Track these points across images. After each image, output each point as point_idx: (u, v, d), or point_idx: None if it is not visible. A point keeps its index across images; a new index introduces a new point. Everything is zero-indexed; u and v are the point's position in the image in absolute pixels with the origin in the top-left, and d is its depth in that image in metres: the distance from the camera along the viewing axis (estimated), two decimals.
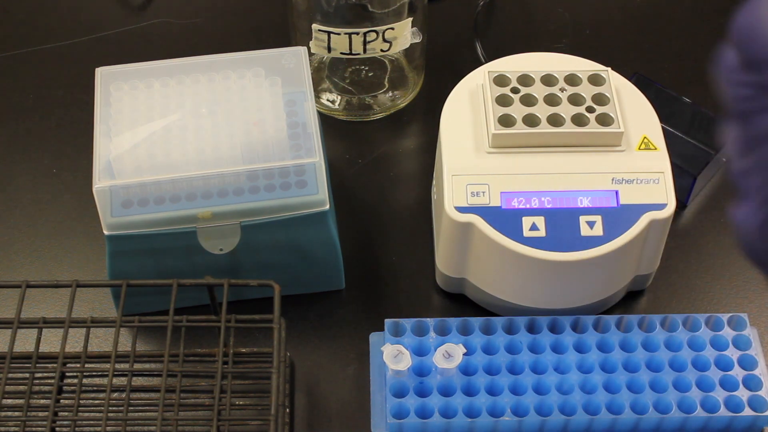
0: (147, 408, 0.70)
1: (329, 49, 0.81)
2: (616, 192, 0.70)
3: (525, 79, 0.74)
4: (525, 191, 0.70)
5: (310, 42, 0.81)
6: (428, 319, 0.71)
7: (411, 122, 0.88)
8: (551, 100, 0.72)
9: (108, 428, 0.66)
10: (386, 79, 0.88)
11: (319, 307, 0.76)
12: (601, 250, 0.68)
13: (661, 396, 0.67)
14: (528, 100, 0.73)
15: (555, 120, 0.71)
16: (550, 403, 0.67)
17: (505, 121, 0.71)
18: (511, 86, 0.73)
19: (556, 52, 0.78)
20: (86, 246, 0.80)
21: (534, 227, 0.69)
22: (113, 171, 0.67)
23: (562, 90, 0.73)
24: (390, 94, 0.88)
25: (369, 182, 0.84)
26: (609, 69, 0.75)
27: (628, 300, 0.77)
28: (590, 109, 0.72)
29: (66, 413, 0.68)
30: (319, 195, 0.69)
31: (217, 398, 0.62)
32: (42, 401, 0.70)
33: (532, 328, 0.71)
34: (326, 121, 0.87)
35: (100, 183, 0.67)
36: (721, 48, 0.41)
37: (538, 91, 0.73)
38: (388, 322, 0.70)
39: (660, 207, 0.70)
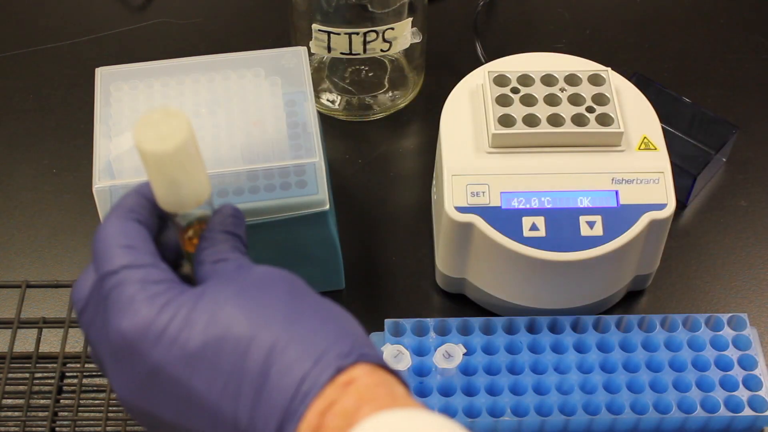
0: None
1: (329, 49, 0.81)
2: (616, 192, 0.70)
3: (525, 79, 0.74)
4: (525, 191, 0.70)
5: (310, 42, 0.81)
6: (428, 319, 0.71)
7: (411, 122, 0.88)
8: (551, 100, 0.72)
9: (108, 428, 0.66)
10: (386, 79, 0.88)
11: None
12: (601, 250, 0.68)
13: (661, 396, 0.67)
14: (528, 100, 0.73)
15: (555, 120, 0.71)
16: (550, 403, 0.67)
17: (505, 121, 0.71)
18: (511, 86, 0.73)
19: (556, 52, 0.78)
20: (86, 246, 0.80)
21: (534, 227, 0.69)
22: (113, 171, 0.67)
23: (562, 90, 0.73)
24: (390, 94, 0.88)
25: (369, 182, 0.84)
26: (609, 69, 0.75)
27: (628, 300, 0.77)
28: (590, 109, 0.72)
29: (66, 413, 0.68)
30: (319, 195, 0.69)
31: None
32: (42, 401, 0.70)
33: (532, 328, 0.71)
34: (326, 121, 0.87)
35: (100, 183, 0.67)
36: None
37: (538, 91, 0.73)
38: (388, 322, 0.70)
39: (660, 207, 0.70)
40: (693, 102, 0.84)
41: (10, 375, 0.70)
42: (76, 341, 0.73)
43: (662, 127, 0.74)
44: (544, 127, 0.71)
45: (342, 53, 0.81)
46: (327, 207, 0.70)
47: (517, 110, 0.72)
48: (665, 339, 0.70)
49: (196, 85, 0.72)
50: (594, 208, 0.69)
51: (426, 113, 0.88)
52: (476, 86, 0.75)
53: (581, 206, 0.70)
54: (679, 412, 0.67)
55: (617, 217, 0.69)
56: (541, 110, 0.72)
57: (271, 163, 0.69)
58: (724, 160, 0.85)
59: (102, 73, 0.73)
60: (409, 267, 0.79)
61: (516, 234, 0.69)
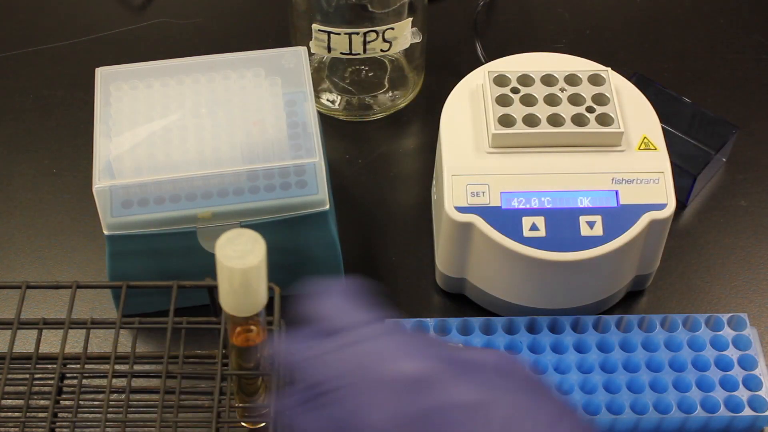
0: (146, 409, 0.70)
1: (329, 49, 0.81)
2: (616, 192, 0.70)
3: (525, 79, 0.74)
4: (525, 191, 0.70)
5: (310, 42, 0.81)
6: (428, 319, 0.71)
7: (411, 122, 0.88)
8: (551, 100, 0.72)
9: (107, 429, 0.66)
10: (386, 79, 0.88)
11: None
12: (601, 250, 0.68)
13: (661, 396, 0.67)
14: (528, 100, 0.73)
15: (555, 120, 0.71)
16: None
17: (505, 121, 0.71)
18: (511, 86, 0.73)
19: (556, 52, 0.78)
20: (86, 246, 0.80)
21: (534, 227, 0.69)
22: (113, 171, 0.67)
23: (562, 90, 0.73)
24: (390, 94, 0.88)
25: (369, 182, 0.84)
26: (609, 69, 0.75)
27: (628, 300, 0.77)
28: (590, 109, 0.72)
29: (65, 414, 0.68)
30: (319, 195, 0.69)
31: (216, 400, 0.62)
32: (42, 402, 0.70)
33: (532, 328, 0.71)
34: (326, 121, 0.87)
35: (100, 183, 0.67)
36: None
37: (538, 91, 0.73)
38: (388, 322, 0.70)
39: (660, 207, 0.70)
40: (693, 102, 0.84)
41: (10, 375, 0.70)
42: (76, 342, 0.73)
43: (662, 127, 0.74)
44: (544, 127, 0.71)
45: (342, 53, 0.81)
46: (327, 207, 0.70)
47: (517, 110, 0.72)
48: (665, 339, 0.70)
49: (196, 85, 0.72)
50: (594, 208, 0.69)
51: (426, 113, 0.88)
52: (476, 86, 0.75)
53: (581, 206, 0.70)
54: (679, 412, 0.67)
55: (617, 217, 0.69)
56: (541, 110, 0.72)
57: (271, 163, 0.69)
58: (724, 160, 0.85)
59: (102, 73, 0.73)
60: (409, 267, 0.79)
61: (516, 234, 0.69)
